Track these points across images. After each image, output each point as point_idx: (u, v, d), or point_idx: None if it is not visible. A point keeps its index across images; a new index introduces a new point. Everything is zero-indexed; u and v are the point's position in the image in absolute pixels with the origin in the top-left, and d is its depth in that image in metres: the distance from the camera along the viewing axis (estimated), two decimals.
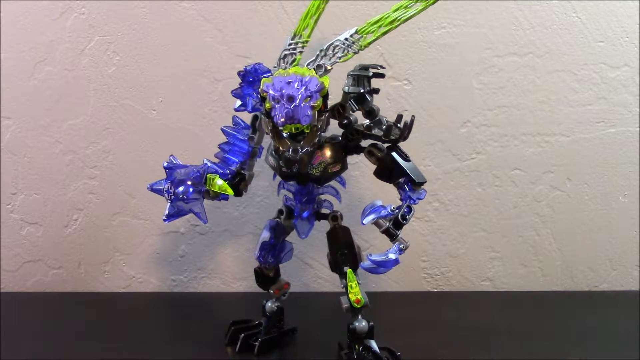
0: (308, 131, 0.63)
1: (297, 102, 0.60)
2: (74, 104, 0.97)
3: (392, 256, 0.64)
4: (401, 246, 0.65)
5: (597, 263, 1.02)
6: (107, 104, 0.97)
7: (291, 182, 0.71)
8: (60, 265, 1.01)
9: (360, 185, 0.98)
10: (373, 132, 0.65)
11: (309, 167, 0.66)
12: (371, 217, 0.65)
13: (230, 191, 0.68)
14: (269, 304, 0.77)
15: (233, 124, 0.71)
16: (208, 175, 0.69)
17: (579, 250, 1.02)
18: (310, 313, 0.88)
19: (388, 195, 0.71)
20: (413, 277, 1.02)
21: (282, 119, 0.61)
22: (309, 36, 0.68)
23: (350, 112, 0.66)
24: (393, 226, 0.65)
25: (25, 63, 0.96)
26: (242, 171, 0.71)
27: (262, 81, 0.63)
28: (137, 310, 0.92)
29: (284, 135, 0.64)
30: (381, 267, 0.64)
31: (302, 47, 0.69)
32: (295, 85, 0.61)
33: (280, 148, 0.65)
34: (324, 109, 0.63)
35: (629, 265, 1.02)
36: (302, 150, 0.64)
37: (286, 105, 0.61)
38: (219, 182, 0.68)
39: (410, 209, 0.65)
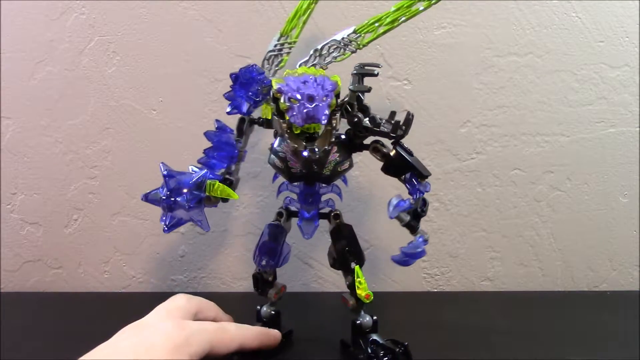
0: (322, 131, 0.61)
1: (317, 101, 0.59)
2: (74, 104, 0.97)
3: (420, 248, 0.65)
4: (425, 236, 0.65)
5: (597, 263, 1.02)
6: (107, 104, 0.97)
7: (296, 183, 0.70)
8: (60, 265, 1.01)
9: (360, 185, 0.98)
10: (381, 128, 0.66)
11: (324, 166, 0.66)
12: (396, 210, 0.66)
13: (234, 196, 0.65)
14: (265, 309, 0.75)
15: (217, 128, 0.69)
16: (208, 182, 0.67)
17: (579, 250, 1.02)
18: (310, 313, 0.88)
19: (388, 195, 0.71)
20: (413, 277, 1.02)
21: (303, 119, 0.59)
22: (297, 37, 0.68)
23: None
24: (413, 219, 0.65)
25: (25, 63, 0.96)
26: (229, 176, 0.69)
27: (272, 81, 0.62)
28: (137, 310, 0.92)
29: (300, 135, 0.62)
30: (412, 258, 0.65)
31: (290, 48, 0.68)
32: (312, 85, 0.60)
33: (298, 148, 0.63)
34: (335, 108, 0.63)
35: (629, 265, 1.02)
36: (319, 150, 0.63)
37: (307, 105, 0.59)
38: (221, 187, 0.67)
39: (425, 202, 0.66)
